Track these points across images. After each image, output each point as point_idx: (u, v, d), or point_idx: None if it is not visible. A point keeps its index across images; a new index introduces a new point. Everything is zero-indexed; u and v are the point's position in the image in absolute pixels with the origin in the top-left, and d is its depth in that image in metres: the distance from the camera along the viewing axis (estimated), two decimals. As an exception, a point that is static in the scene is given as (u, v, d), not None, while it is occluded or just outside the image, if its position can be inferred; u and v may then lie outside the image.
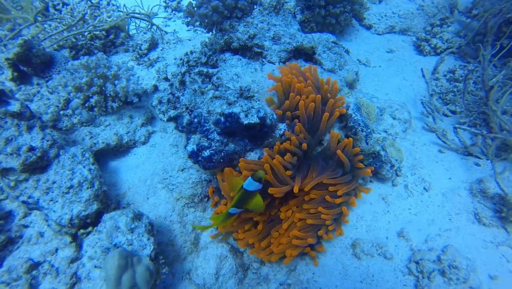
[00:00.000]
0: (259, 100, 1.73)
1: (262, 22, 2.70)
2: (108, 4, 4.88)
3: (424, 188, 2.32)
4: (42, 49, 2.99)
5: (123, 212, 1.85)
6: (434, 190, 2.31)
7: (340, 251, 2.12)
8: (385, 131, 2.66)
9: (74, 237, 2.06)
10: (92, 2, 4.00)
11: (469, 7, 4.09)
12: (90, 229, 2.04)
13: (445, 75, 3.34)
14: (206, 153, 1.67)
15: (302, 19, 3.36)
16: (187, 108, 1.68)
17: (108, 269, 1.52)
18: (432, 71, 3.20)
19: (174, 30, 4.66)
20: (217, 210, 2.13)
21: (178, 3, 5.19)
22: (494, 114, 2.52)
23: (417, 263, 1.95)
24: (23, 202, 1.98)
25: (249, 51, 2.78)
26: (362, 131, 2.16)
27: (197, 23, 2.85)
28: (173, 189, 2.23)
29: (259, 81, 2.52)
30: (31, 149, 1.90)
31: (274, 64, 2.65)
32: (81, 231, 2.04)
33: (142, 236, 1.78)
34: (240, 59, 2.71)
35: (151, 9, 4.58)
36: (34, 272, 1.91)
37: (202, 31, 4.48)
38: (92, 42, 3.68)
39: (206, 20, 2.77)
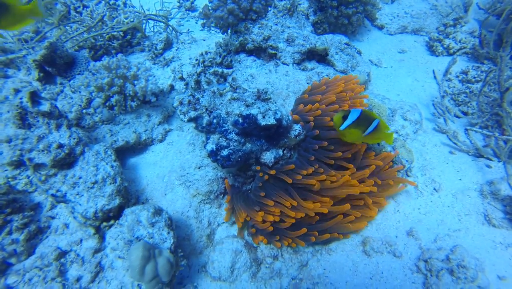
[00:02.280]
0: (276, 102, 1.81)
1: (276, 24, 2.77)
2: (125, 5, 5.02)
3: (434, 189, 2.37)
4: (65, 51, 3.13)
5: (144, 207, 1.95)
6: (444, 191, 2.35)
7: (350, 248, 2.18)
8: (396, 132, 2.71)
9: (97, 229, 2.18)
10: (110, 4, 4.13)
11: (490, 2, 4.01)
12: (112, 222, 2.16)
13: (457, 76, 3.35)
14: (225, 152, 1.76)
15: (315, 21, 3.41)
16: (206, 109, 1.77)
17: (133, 260, 1.62)
18: (444, 73, 3.22)
19: (188, 29, 4.76)
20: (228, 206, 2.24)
21: (192, 3, 5.29)
22: (508, 117, 2.54)
23: (425, 261, 2.01)
24: (52, 195, 2.11)
25: (263, 52, 2.86)
26: (374, 132, 2.21)
27: (213, 25, 2.93)
28: (190, 185, 2.33)
29: (274, 82, 2.60)
30: (60, 146, 2.02)
31: (288, 65, 2.72)
32: (104, 223, 2.16)
33: (163, 230, 1.88)
34: (255, 60, 2.79)
35: (170, 9, 4.68)
36: (62, 260, 2.04)
37: (216, 31, 4.57)
38: (110, 43, 3.81)
39: (222, 22, 2.85)
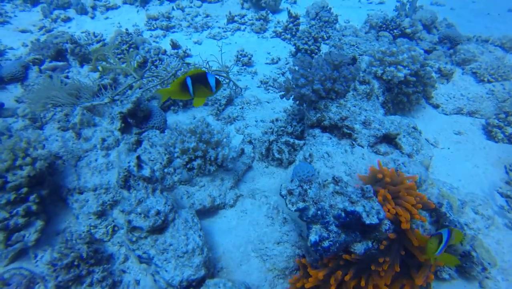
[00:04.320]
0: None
1: (354, 106, 2.92)
2: (185, 55, 5.39)
3: (518, 297, 2.31)
4: (146, 104, 3.36)
5: (235, 285, 1.97)
6: (530, 301, 2.28)
7: None
8: (466, 225, 2.70)
9: (173, 296, 2.19)
10: (183, 60, 4.46)
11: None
12: (191, 291, 2.18)
13: (520, 168, 3.37)
14: (326, 244, 1.81)
15: (383, 101, 3.58)
16: (313, 201, 1.85)
17: None
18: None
19: (246, 86, 5.01)
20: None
21: (249, 59, 5.61)
22: None
23: None
24: (138, 256, 2.16)
25: (338, 130, 2.98)
26: (460, 233, 2.22)
27: (292, 98, 3.11)
28: (267, 259, 2.35)
29: (351, 164, 2.68)
30: (158, 213, 2.11)
31: (363, 148, 2.82)
32: (183, 292, 2.18)
33: (252, 313, 1.89)
34: (331, 138, 2.91)
35: (231, 66, 4.98)
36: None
37: (275, 91, 4.81)
38: (180, 95, 4.05)
39: (302, 97, 3.02)
